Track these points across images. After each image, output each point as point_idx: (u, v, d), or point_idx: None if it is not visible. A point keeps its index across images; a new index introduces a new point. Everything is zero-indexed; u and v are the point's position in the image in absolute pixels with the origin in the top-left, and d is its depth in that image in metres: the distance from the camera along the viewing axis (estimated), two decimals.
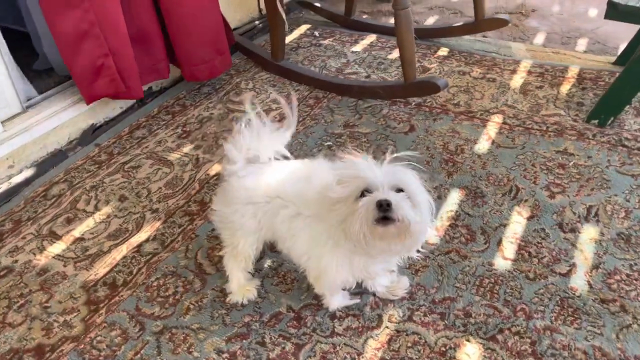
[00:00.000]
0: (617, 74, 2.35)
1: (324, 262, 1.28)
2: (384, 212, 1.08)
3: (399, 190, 1.13)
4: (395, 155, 1.17)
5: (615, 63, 2.56)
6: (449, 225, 1.72)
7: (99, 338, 1.43)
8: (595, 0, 3.36)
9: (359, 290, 1.51)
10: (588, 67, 2.55)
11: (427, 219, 1.17)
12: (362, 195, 1.13)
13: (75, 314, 1.50)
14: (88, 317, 1.49)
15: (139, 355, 1.38)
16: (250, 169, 1.42)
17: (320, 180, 1.30)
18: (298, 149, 2.12)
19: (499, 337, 1.37)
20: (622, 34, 2.88)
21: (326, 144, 2.14)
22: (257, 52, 2.76)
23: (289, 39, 3.02)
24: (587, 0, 3.38)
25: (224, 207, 1.43)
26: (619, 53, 2.64)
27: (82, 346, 1.41)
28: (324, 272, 1.30)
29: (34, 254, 1.71)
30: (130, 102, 2.45)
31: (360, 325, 1.42)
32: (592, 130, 2.11)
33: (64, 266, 1.66)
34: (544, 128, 2.14)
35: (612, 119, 2.11)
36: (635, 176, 1.86)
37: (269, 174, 1.38)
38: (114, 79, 2.11)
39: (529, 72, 2.54)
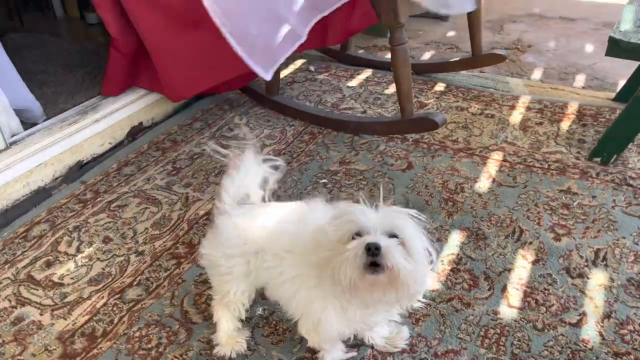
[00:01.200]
0: (618, 111, 2.32)
1: (318, 313, 1.19)
2: (373, 257, 1.00)
3: (393, 235, 1.05)
4: (392, 197, 1.10)
5: (615, 99, 2.52)
6: (451, 270, 1.63)
7: None
8: (591, 37, 3.35)
9: (356, 342, 1.41)
10: (587, 103, 2.51)
11: (422, 268, 1.08)
12: (354, 238, 1.05)
13: None
14: None
15: None
16: (243, 209, 1.33)
17: (315, 220, 1.22)
18: (292, 186, 2.04)
19: None
20: (620, 70, 2.85)
21: (321, 181, 2.07)
22: (251, 86, 2.71)
23: (284, 73, 2.98)
24: (583, 37, 3.37)
25: (213, 249, 1.34)
26: (618, 89, 2.61)
27: None
28: (318, 324, 1.20)
29: (10, 301, 1.60)
30: (119, 138, 2.38)
31: None
32: (595, 169, 2.04)
33: (41, 314, 1.55)
34: (546, 166, 2.08)
35: (615, 156, 2.05)
36: None
37: (262, 214, 1.30)
38: None
39: (528, 108, 2.50)
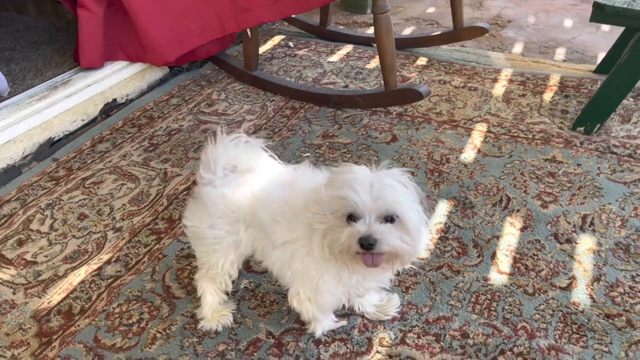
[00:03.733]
0: (600, 82, 2.32)
1: (315, 280, 1.14)
2: (367, 250, 0.98)
3: (389, 216, 1.01)
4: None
5: (595, 71, 2.52)
6: (439, 239, 1.60)
7: None
8: (570, 12, 3.36)
9: (346, 312, 1.37)
10: (569, 75, 2.50)
11: (420, 240, 1.04)
12: (349, 218, 1.01)
13: (24, 347, 1.32)
14: (39, 351, 1.31)
15: None
16: (228, 178, 1.27)
17: (304, 185, 1.17)
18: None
19: (501, 359, 1.24)
20: (599, 43, 2.86)
21: (305, 155, 2.01)
22: (229, 62, 2.63)
23: (262, 49, 2.91)
24: (562, 12, 3.37)
25: (198, 221, 1.28)
26: (598, 62, 2.61)
27: None
28: (315, 292, 1.16)
29: None
30: (92, 115, 2.28)
31: (348, 350, 1.28)
32: (579, 138, 2.04)
33: (14, 294, 1.47)
34: (530, 136, 2.06)
35: (598, 126, 2.05)
36: (627, 183, 1.78)
37: (249, 180, 1.24)
38: None
39: (511, 81, 2.48)
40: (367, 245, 0.97)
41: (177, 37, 2.28)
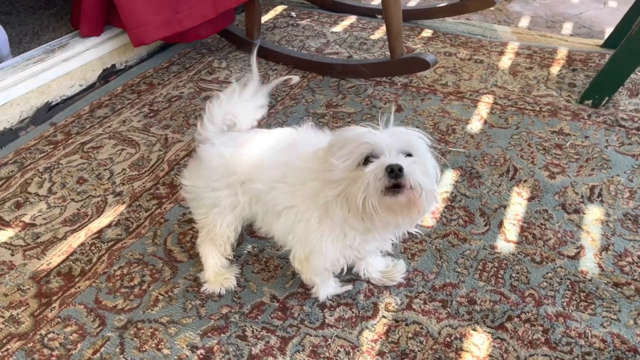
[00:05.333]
0: (608, 56, 2.28)
1: (313, 239, 1.12)
2: (395, 179, 0.92)
3: (408, 154, 0.98)
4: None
5: (603, 46, 2.48)
6: (445, 207, 1.58)
7: (50, 335, 1.22)
8: None
9: (351, 277, 1.35)
10: (576, 50, 2.46)
11: (435, 187, 1.02)
12: (366, 162, 0.97)
13: (23, 308, 1.29)
14: (38, 311, 1.28)
15: (98, 354, 1.18)
16: (227, 136, 1.24)
17: (306, 147, 1.14)
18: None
19: (508, 325, 1.23)
20: (606, 18, 2.82)
21: (308, 123, 1.97)
22: (231, 30, 2.57)
23: (264, 19, 2.84)
24: None
25: (196, 180, 1.25)
26: (605, 37, 2.57)
27: (31, 344, 1.21)
28: (312, 251, 1.13)
29: None
30: (90, 81, 2.23)
31: (353, 315, 1.26)
32: (586, 111, 2.01)
33: (12, 255, 1.44)
34: (537, 108, 2.03)
35: (606, 99, 2.02)
36: (635, 156, 1.76)
37: (249, 142, 1.21)
38: None
39: (517, 54, 2.44)
40: (396, 172, 0.92)
41: (161, 17, 2.07)
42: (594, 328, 1.22)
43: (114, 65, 2.33)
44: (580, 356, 1.16)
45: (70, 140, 1.90)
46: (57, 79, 2.09)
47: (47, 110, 2.05)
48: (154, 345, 1.20)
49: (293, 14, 2.93)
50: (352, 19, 2.85)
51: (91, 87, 2.23)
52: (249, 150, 1.21)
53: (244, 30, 2.52)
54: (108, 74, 2.29)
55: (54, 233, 1.51)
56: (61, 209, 1.60)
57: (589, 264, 1.38)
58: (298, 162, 1.14)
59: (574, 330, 1.21)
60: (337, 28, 2.75)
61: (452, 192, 1.63)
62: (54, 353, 1.19)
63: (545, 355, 1.16)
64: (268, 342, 1.20)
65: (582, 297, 1.29)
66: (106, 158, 1.81)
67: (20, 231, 1.52)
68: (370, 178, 0.94)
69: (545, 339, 1.20)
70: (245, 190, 1.20)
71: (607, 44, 2.48)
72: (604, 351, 1.17)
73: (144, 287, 1.34)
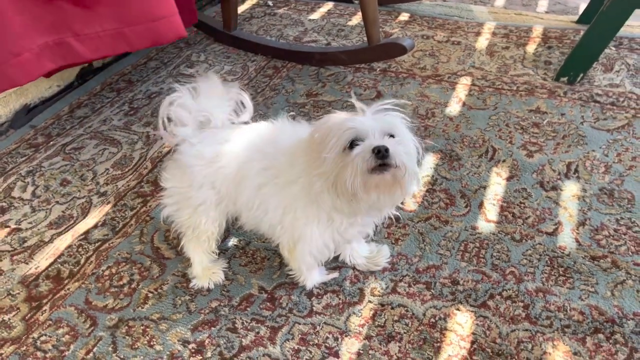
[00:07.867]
0: (582, 32, 2.30)
1: (300, 227, 1.14)
2: (382, 159, 0.97)
3: (391, 136, 1.02)
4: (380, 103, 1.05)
5: (578, 22, 2.51)
6: (427, 191, 1.61)
7: (43, 338, 1.24)
8: None
9: (337, 264, 1.38)
10: (552, 27, 2.49)
11: (416, 167, 1.06)
12: (351, 146, 1.00)
13: (14, 312, 1.30)
14: (29, 315, 1.30)
15: (91, 354, 1.20)
16: (204, 134, 1.25)
17: (286, 141, 1.16)
18: (259, 120, 1.95)
19: (490, 303, 1.27)
20: None
21: (289, 114, 1.99)
22: (207, 22, 2.56)
23: (240, 9, 2.83)
24: None
25: (178, 182, 1.26)
26: (580, 12, 2.60)
27: (24, 348, 1.22)
28: (300, 238, 1.15)
29: None
30: (68, 80, 2.21)
31: (340, 301, 1.29)
32: (562, 88, 2.04)
33: None
34: (514, 88, 2.06)
35: (581, 75, 2.05)
36: (610, 131, 1.80)
37: (228, 138, 1.22)
38: None
39: (494, 34, 2.46)
40: (383, 152, 0.96)
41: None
42: (572, 301, 1.26)
43: (91, 64, 2.31)
44: (560, 329, 1.20)
45: (52, 142, 1.90)
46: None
47: (26, 113, 2.04)
48: (146, 342, 1.22)
49: (270, 2, 2.91)
50: (329, 5, 2.85)
51: (69, 87, 2.22)
52: (230, 147, 1.22)
53: (221, 22, 2.51)
54: (86, 73, 2.28)
55: (40, 237, 1.51)
56: (46, 212, 1.60)
57: (566, 239, 1.42)
58: (281, 158, 1.15)
59: (553, 304, 1.26)
60: (315, 15, 2.75)
61: (433, 176, 1.66)
62: (47, 355, 1.20)
63: (527, 330, 1.21)
64: (258, 332, 1.23)
65: (561, 272, 1.33)
66: (88, 159, 1.81)
67: (6, 236, 1.52)
68: (358, 160, 0.97)
69: (526, 315, 1.24)
70: (227, 183, 1.21)
71: (582, 19, 2.51)
72: (582, 323, 1.22)
73: (133, 286, 1.36)
